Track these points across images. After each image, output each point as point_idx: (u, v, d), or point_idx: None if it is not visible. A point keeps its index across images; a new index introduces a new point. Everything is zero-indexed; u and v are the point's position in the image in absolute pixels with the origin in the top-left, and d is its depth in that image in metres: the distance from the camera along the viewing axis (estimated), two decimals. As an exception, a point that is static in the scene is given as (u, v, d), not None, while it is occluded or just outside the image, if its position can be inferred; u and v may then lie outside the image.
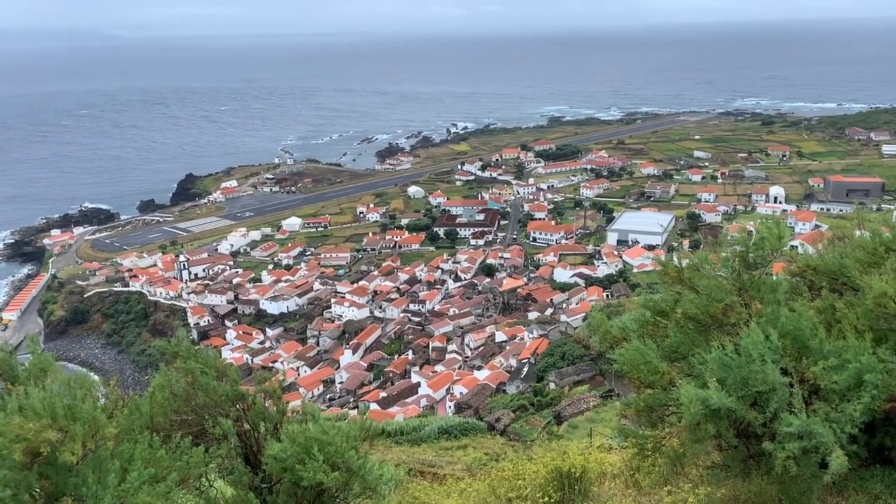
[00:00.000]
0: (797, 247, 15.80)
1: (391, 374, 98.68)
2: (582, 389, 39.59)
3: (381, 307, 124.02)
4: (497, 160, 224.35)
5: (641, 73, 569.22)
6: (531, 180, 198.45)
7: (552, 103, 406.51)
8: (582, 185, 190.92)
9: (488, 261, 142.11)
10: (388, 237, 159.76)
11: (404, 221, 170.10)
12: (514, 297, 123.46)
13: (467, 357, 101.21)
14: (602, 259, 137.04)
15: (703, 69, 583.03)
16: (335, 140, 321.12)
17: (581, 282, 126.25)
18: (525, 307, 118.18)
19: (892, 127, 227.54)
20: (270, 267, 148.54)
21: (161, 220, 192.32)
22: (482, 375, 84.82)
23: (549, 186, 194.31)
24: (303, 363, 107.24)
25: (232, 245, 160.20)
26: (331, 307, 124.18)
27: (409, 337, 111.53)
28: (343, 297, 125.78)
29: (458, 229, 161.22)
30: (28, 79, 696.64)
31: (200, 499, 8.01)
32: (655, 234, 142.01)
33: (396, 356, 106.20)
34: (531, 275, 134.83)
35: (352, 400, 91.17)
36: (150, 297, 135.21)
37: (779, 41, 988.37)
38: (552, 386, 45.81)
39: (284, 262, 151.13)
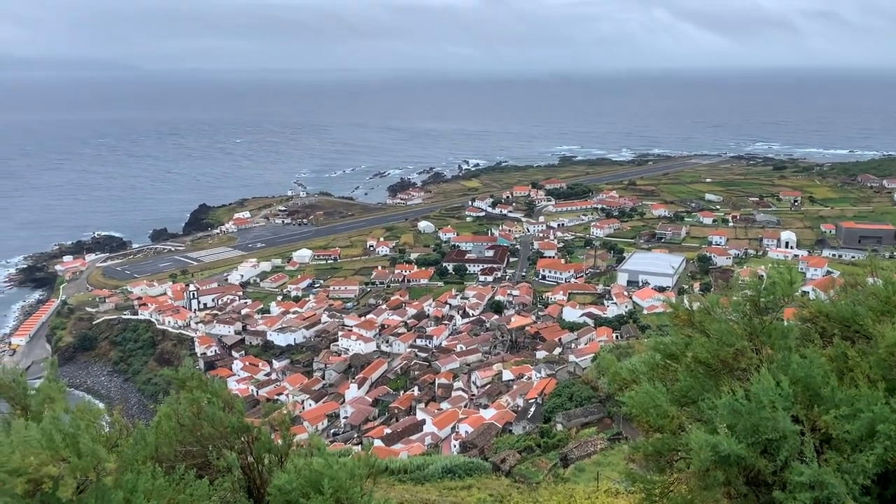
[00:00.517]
0: (808, 292, 15.70)
1: (396, 410, 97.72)
2: (590, 431, 39.04)
3: (387, 341, 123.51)
4: (507, 197, 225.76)
5: (651, 114, 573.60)
6: (541, 218, 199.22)
7: (563, 143, 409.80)
8: (592, 224, 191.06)
9: (497, 297, 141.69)
10: (397, 271, 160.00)
11: (414, 256, 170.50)
12: (523, 335, 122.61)
13: (473, 395, 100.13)
14: (612, 299, 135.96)
15: (712, 111, 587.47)
16: (348, 174, 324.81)
17: (590, 322, 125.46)
18: (533, 346, 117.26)
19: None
20: (279, 298, 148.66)
21: (172, 248, 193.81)
22: (488, 414, 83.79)
23: (559, 225, 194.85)
24: (308, 396, 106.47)
25: (242, 275, 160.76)
26: (338, 340, 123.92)
27: (416, 372, 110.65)
28: (350, 331, 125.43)
29: (467, 265, 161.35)
30: (49, 107, 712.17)
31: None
32: (666, 276, 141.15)
33: (402, 392, 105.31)
34: (540, 313, 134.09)
35: (356, 435, 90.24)
36: (158, 326, 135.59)
37: (787, 87, 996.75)
38: (559, 427, 45.18)
39: (293, 293, 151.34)
